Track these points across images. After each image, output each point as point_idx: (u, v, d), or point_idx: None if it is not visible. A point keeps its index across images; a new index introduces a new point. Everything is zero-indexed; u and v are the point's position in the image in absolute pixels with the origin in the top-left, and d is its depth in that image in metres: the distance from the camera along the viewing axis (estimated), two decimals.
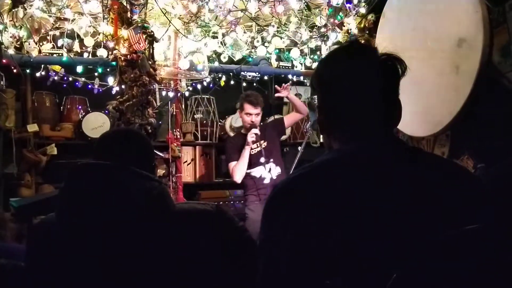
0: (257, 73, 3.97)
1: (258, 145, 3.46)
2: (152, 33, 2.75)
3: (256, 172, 3.44)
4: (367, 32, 3.19)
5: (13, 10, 2.85)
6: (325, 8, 3.17)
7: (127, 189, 1.22)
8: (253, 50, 3.70)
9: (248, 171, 3.45)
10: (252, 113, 3.41)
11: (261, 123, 3.60)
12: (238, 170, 3.38)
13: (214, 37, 3.51)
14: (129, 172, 1.26)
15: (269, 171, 3.44)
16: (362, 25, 3.21)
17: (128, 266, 1.21)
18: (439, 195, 0.88)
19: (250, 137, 3.35)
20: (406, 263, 0.79)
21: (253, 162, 3.46)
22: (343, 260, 0.82)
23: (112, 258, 1.20)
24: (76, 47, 3.37)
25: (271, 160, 3.46)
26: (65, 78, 3.69)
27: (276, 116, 4.67)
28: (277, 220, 0.91)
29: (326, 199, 0.87)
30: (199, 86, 4.33)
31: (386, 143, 0.96)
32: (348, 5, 3.13)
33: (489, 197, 0.96)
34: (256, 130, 3.38)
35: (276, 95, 3.74)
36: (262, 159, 3.42)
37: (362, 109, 0.95)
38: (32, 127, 3.91)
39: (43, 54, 3.36)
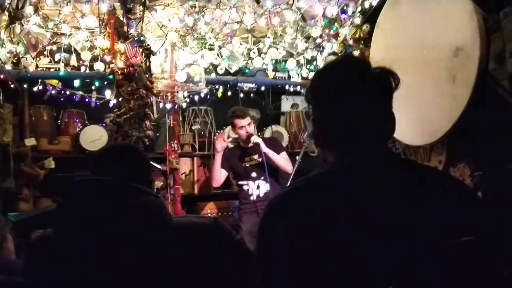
0: (253, 84, 3.99)
1: (251, 159, 3.55)
2: (149, 46, 2.77)
3: (247, 185, 3.50)
4: (362, 42, 3.21)
5: (10, 26, 2.87)
6: (320, 20, 3.20)
7: (124, 204, 1.22)
8: (249, 62, 3.72)
9: (241, 182, 3.54)
10: (244, 125, 3.46)
11: (259, 135, 3.66)
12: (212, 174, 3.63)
13: (211, 49, 3.53)
14: (126, 187, 1.26)
15: (257, 187, 3.49)
16: (357, 36, 3.23)
17: (126, 281, 1.20)
18: (433, 206, 0.88)
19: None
20: (404, 272, 0.79)
21: (247, 175, 3.52)
22: (339, 272, 0.83)
23: (109, 273, 1.20)
24: (73, 61, 3.38)
25: (262, 177, 3.46)
26: (63, 92, 3.71)
27: (274, 127, 4.68)
28: (273, 232, 0.91)
29: (321, 212, 0.87)
30: (196, 98, 4.34)
31: (381, 156, 0.96)
32: (343, 15, 3.16)
33: (483, 207, 0.97)
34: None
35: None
36: (254, 174, 3.49)
37: (356, 122, 0.95)
38: (30, 141, 3.90)
39: (40, 68, 3.37)
